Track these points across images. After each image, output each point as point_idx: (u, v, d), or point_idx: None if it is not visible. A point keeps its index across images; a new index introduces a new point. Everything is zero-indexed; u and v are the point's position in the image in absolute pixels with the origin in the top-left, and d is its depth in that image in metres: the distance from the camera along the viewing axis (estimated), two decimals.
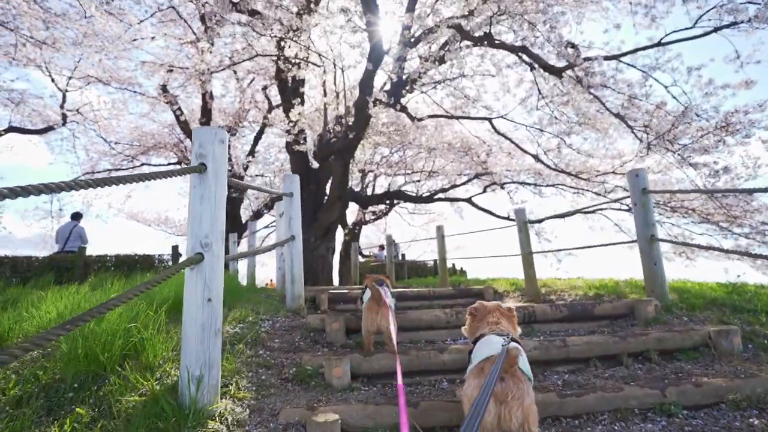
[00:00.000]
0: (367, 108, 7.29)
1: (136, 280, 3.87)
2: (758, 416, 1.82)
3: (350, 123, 8.00)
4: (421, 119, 9.75)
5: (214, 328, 1.73)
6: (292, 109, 9.35)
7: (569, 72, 6.67)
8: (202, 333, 1.69)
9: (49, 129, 13.06)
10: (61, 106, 12.84)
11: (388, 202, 16.81)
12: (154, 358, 1.96)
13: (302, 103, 10.12)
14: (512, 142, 11.21)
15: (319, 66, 8.65)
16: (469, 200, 14.83)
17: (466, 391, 1.48)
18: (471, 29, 7.74)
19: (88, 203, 16.29)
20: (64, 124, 13.28)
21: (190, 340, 1.68)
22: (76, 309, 2.48)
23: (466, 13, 7.81)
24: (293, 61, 8.84)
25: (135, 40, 9.90)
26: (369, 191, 16.84)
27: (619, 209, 9.69)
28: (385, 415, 1.77)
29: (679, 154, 6.22)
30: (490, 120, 10.90)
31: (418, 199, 15.57)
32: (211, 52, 9.40)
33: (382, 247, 16.25)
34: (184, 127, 13.73)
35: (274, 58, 9.49)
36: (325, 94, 9.38)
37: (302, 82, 10.26)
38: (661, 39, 6.22)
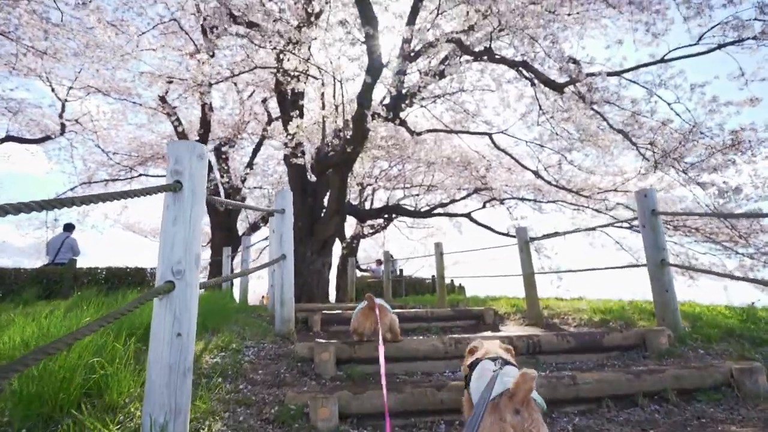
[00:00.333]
0: (365, 121, 7.16)
1: (116, 300, 3.66)
2: None
3: (348, 136, 7.87)
4: (420, 133, 9.64)
5: (183, 368, 1.53)
6: (290, 122, 9.24)
7: (571, 87, 6.57)
8: (168, 374, 1.49)
9: (46, 138, 12.95)
10: (60, 116, 12.75)
11: (386, 216, 16.65)
12: (118, 397, 1.75)
13: (301, 115, 10.01)
14: (512, 157, 11.09)
15: (317, 79, 8.56)
16: (468, 215, 14.67)
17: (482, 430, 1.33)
18: (471, 44, 7.67)
19: (85, 213, 16.08)
20: (62, 134, 13.17)
21: (154, 383, 1.48)
22: (43, 336, 2.28)
23: (467, 28, 7.76)
24: (292, 73, 8.75)
25: (136, 50, 9.85)
26: (367, 205, 16.68)
27: (621, 227, 9.51)
28: None
29: (684, 172, 6.07)
30: (490, 135, 10.80)
31: (416, 214, 15.41)
32: (211, 64, 9.32)
33: (379, 262, 16.02)
34: (183, 138, 13.63)
35: (273, 70, 9.41)
36: (323, 107, 9.27)
37: (301, 94, 10.18)
38: (664, 55, 6.14)
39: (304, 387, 2.31)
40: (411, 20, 7.02)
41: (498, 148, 10.99)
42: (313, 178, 11.20)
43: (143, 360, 2.10)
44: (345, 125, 8.43)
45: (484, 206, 14.42)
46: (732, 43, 5.41)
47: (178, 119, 12.50)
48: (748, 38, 5.21)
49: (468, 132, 11.37)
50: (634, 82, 6.35)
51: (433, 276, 12.16)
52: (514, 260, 5.81)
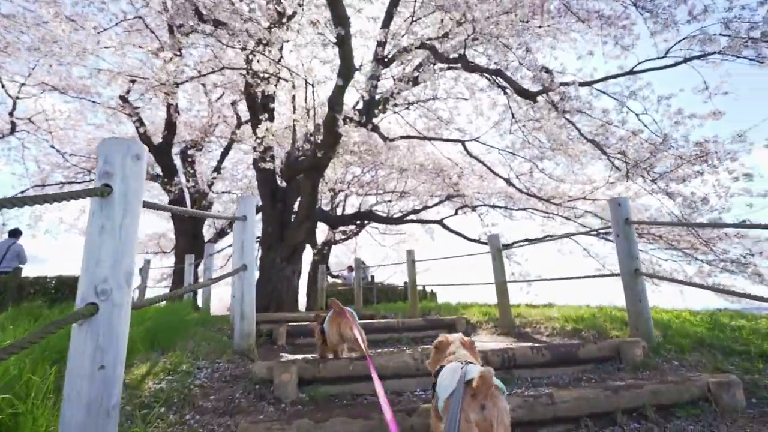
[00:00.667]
0: (336, 126, 6.97)
1: (55, 314, 3.32)
2: None
3: (319, 141, 7.66)
4: (393, 139, 9.53)
5: (107, 406, 1.30)
6: (259, 125, 8.94)
7: (543, 97, 6.60)
8: (86, 415, 1.25)
9: None
10: (11, 114, 11.95)
11: (358, 222, 16.44)
12: None
13: (271, 119, 9.72)
14: (484, 165, 11.14)
15: (287, 81, 8.31)
16: (440, 222, 14.65)
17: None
18: (445, 51, 7.63)
19: (38, 217, 15.11)
20: (12, 133, 12.34)
21: (69, 425, 1.24)
22: None
23: (441, 35, 7.71)
24: (262, 75, 8.48)
25: (96, 47, 9.31)
26: (339, 211, 16.43)
27: (595, 235, 9.65)
28: None
29: (653, 182, 6.18)
30: (462, 142, 10.81)
31: (389, 220, 15.28)
32: (176, 64, 8.92)
33: (351, 269, 15.77)
34: (145, 140, 13.03)
35: (243, 72, 9.10)
36: (294, 111, 9.02)
37: (272, 97, 9.89)
38: (633, 68, 6.25)
39: (260, 414, 2.08)
40: (386, 23, 6.91)
41: (470, 155, 11.02)
42: (283, 184, 10.90)
43: None
44: (316, 129, 8.21)
45: (456, 213, 14.44)
46: (697, 57, 5.55)
47: (140, 120, 11.91)
48: (713, 53, 5.35)
49: (441, 139, 11.36)
50: (603, 92, 6.45)
51: (405, 282, 12.03)
52: (485, 267, 5.74)
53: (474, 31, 6.49)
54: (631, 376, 2.64)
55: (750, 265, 8.44)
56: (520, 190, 10.30)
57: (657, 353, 2.93)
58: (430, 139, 11.39)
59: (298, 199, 10.66)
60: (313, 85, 7.56)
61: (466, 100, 10.21)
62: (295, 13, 8.06)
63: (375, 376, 1.81)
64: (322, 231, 16.77)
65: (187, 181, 14.22)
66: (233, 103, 14.70)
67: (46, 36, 9.27)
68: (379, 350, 4.38)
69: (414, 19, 8.16)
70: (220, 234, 15.82)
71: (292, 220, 10.88)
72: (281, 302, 10.52)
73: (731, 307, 6.63)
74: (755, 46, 4.84)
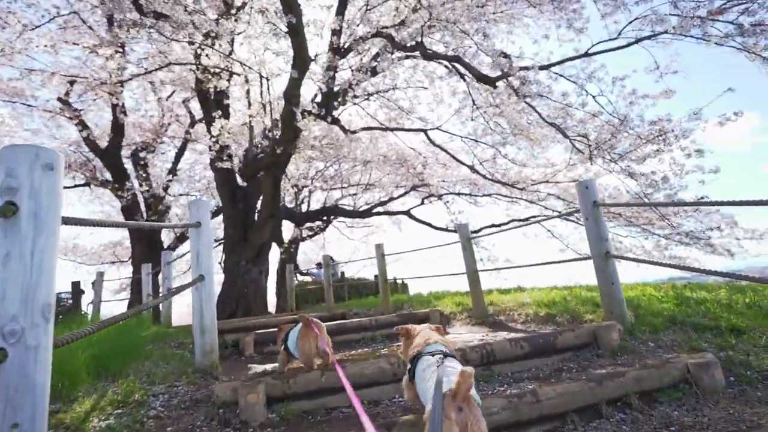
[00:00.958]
0: (294, 120, 6.68)
1: None
2: None
3: (278, 136, 7.33)
4: (354, 132, 9.31)
5: None
6: (213, 123, 8.49)
7: (503, 82, 6.58)
8: None
9: None
10: None
11: (324, 218, 16.15)
12: None
13: (226, 116, 9.25)
14: (448, 153, 11.12)
15: (239, 75, 7.90)
16: (407, 213, 14.61)
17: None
18: (402, 40, 7.46)
19: None
20: None
21: None
22: None
23: (398, 23, 7.53)
24: (212, 70, 8.01)
25: (28, 46, 8.48)
26: (304, 207, 16.07)
27: (567, 220, 9.82)
28: None
29: (614, 162, 6.30)
30: (425, 131, 10.73)
31: (355, 214, 15.09)
32: (117, 61, 8.28)
33: (320, 265, 15.51)
34: (91, 144, 12.17)
35: (192, 67, 8.58)
36: (249, 106, 8.61)
37: (225, 93, 9.41)
38: (588, 50, 6.32)
39: None
40: (340, 11, 6.65)
41: (434, 144, 10.96)
42: (244, 183, 10.47)
43: None
44: (274, 125, 7.87)
45: (422, 203, 14.44)
46: (648, 38, 5.66)
47: (81, 122, 11.09)
48: (663, 32, 5.46)
49: (403, 129, 11.23)
50: (561, 75, 6.50)
51: (375, 276, 11.91)
52: (455, 254, 5.68)
53: (430, 17, 6.36)
54: (610, 362, 2.61)
55: (703, 238, 8.86)
56: (484, 177, 10.35)
57: (632, 335, 2.92)
58: (392, 129, 11.24)
59: (260, 197, 10.29)
60: (267, 79, 7.20)
61: (425, 89, 10.10)
62: (244, 3, 7.64)
63: (350, 389, 1.67)
64: (288, 228, 16.38)
65: (141, 185, 13.45)
66: (185, 101, 13.98)
67: None
68: (353, 352, 4.24)
69: (369, 7, 7.93)
70: (181, 239, 15.12)
71: (256, 220, 10.50)
72: (249, 306, 10.16)
73: (683, 276, 6.88)
74: (702, 24, 4.96)
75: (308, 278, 17.47)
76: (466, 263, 5.28)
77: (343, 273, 14.93)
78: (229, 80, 8.96)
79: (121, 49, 8.83)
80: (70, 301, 8.67)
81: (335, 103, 8.05)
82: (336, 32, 6.68)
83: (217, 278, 10.75)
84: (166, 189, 14.34)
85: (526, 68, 5.95)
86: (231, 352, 4.27)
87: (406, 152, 12.74)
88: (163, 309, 6.72)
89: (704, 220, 8.72)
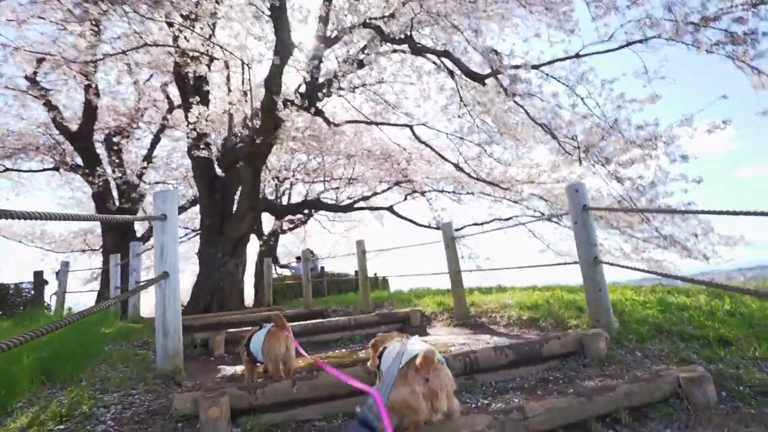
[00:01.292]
0: (275, 109, 6.42)
1: None
2: None
3: (258, 126, 7.05)
4: (338, 124, 9.07)
5: None
6: (191, 110, 8.13)
7: (492, 80, 6.45)
8: None
9: None
10: None
11: (306, 211, 15.86)
12: None
13: (206, 103, 8.88)
14: (433, 149, 10.99)
15: (217, 59, 7.55)
16: (390, 209, 14.45)
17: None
18: (391, 32, 7.26)
19: None
20: None
21: None
22: None
23: (387, 14, 7.32)
24: (191, 54, 7.65)
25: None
26: (285, 200, 15.74)
27: (555, 222, 9.79)
28: None
29: (602, 165, 6.26)
30: (411, 127, 10.56)
31: (337, 208, 14.86)
32: (88, 39, 7.81)
33: (299, 259, 15.24)
34: (60, 126, 11.59)
35: (170, 50, 8.18)
36: (229, 93, 8.28)
37: (205, 79, 9.03)
38: (579, 51, 6.25)
39: None
40: None
41: (419, 140, 10.81)
42: (222, 173, 10.13)
43: None
44: (254, 114, 7.57)
45: (405, 199, 14.31)
46: (639, 41, 5.60)
47: (48, 103, 10.53)
48: (654, 36, 5.41)
49: (388, 124, 11.04)
50: (551, 76, 6.41)
51: (356, 271, 11.74)
52: (436, 250, 5.56)
53: (421, 8, 6.17)
54: (598, 373, 2.51)
55: (680, 242, 8.98)
56: (469, 175, 10.26)
57: (619, 344, 2.83)
58: (377, 123, 11.04)
59: (239, 188, 9.97)
60: (248, 65, 6.90)
61: (413, 84, 9.93)
62: None
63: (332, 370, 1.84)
64: (268, 220, 16.04)
65: (113, 171, 12.93)
66: (164, 86, 13.47)
67: None
68: (331, 353, 4.06)
69: None
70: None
71: (234, 211, 10.18)
72: (225, 300, 9.88)
73: (654, 278, 6.91)
74: (695, 31, 4.92)
75: (287, 272, 17.19)
76: (448, 263, 5.16)
77: (323, 268, 14.70)
78: (209, 66, 8.59)
79: (95, 28, 8.36)
80: (32, 292, 8.23)
81: (320, 94, 7.80)
82: (323, 19, 6.42)
83: (193, 269, 10.42)
84: (140, 176, 13.84)
85: (517, 66, 5.83)
86: (200, 352, 4.05)
87: (390, 147, 12.57)
88: (130, 303, 6.40)
89: (682, 225, 8.83)
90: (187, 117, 8.45)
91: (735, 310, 3.51)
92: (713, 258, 9.47)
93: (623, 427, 1.96)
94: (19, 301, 8.80)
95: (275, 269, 17.19)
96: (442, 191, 13.14)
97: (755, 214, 2.07)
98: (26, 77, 10.46)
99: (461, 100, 7.78)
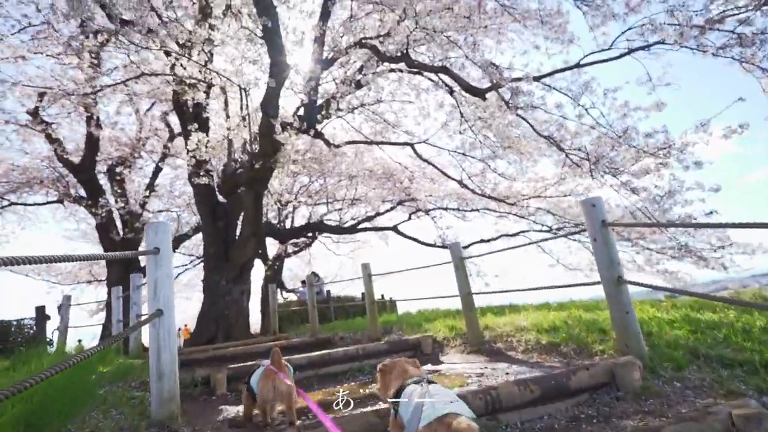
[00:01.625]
0: (273, 132, 6.31)
1: None
2: None
3: (256, 150, 6.94)
4: (338, 146, 8.98)
5: None
6: (190, 137, 8.07)
7: (494, 93, 6.34)
8: None
9: None
10: None
11: (309, 234, 15.69)
12: None
13: (205, 130, 8.84)
14: (435, 167, 10.86)
15: (214, 85, 7.51)
16: (394, 228, 14.26)
17: None
18: (388, 51, 7.21)
19: None
20: None
21: None
22: None
23: (383, 33, 7.28)
24: (188, 81, 7.63)
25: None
26: (288, 223, 15.59)
27: (572, 239, 9.52)
28: None
29: (614, 176, 6.08)
30: (411, 145, 10.46)
31: (340, 230, 14.68)
32: (85, 71, 7.83)
33: (305, 283, 15.00)
34: (63, 159, 11.61)
35: (168, 78, 8.18)
36: (227, 118, 8.22)
37: (203, 106, 9.01)
38: (579, 61, 6.14)
39: None
40: (323, 17, 6.34)
41: (420, 158, 10.70)
42: (224, 199, 10.03)
43: None
44: (253, 138, 7.49)
45: (409, 218, 14.12)
46: (641, 48, 5.49)
47: (48, 136, 10.54)
48: (657, 42, 5.30)
49: (389, 143, 10.96)
50: (552, 87, 6.29)
51: (362, 293, 11.47)
52: (444, 270, 5.34)
53: (417, 26, 6.11)
54: (635, 408, 2.26)
55: (695, 251, 8.69)
56: (473, 191, 10.08)
57: (654, 372, 2.58)
58: (377, 143, 10.95)
59: (242, 214, 9.85)
60: (245, 90, 6.84)
61: (411, 102, 9.87)
62: (227, 5, 7.26)
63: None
64: (272, 244, 15.88)
65: (116, 201, 12.90)
66: (164, 115, 13.57)
67: None
68: (338, 388, 3.82)
69: (353, 17, 7.68)
70: None
71: (237, 237, 10.04)
72: (230, 328, 9.65)
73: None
74: (700, 34, 4.80)
75: (294, 296, 16.92)
76: (458, 285, 4.92)
77: (328, 292, 14.44)
78: (207, 92, 8.58)
79: (94, 60, 8.40)
80: (33, 328, 8.03)
81: (318, 116, 7.73)
82: (318, 40, 6.37)
83: (200, 296, 10.18)
84: (143, 205, 13.80)
85: (518, 79, 5.72)
86: (201, 391, 3.81)
87: (392, 166, 12.46)
88: (131, 338, 6.18)
89: (696, 235, 8.57)
90: (186, 144, 8.40)
91: None
92: (732, 267, 9.16)
93: None
94: (20, 338, 8.59)
95: (281, 293, 16.94)
96: (446, 209, 12.96)
97: None
98: (28, 112, 10.52)
99: (462, 116, 7.67)
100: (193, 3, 7.41)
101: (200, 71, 6.91)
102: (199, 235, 14.98)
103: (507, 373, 3.31)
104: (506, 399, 2.32)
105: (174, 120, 12.82)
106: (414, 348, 4.91)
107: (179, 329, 20.64)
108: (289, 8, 5.83)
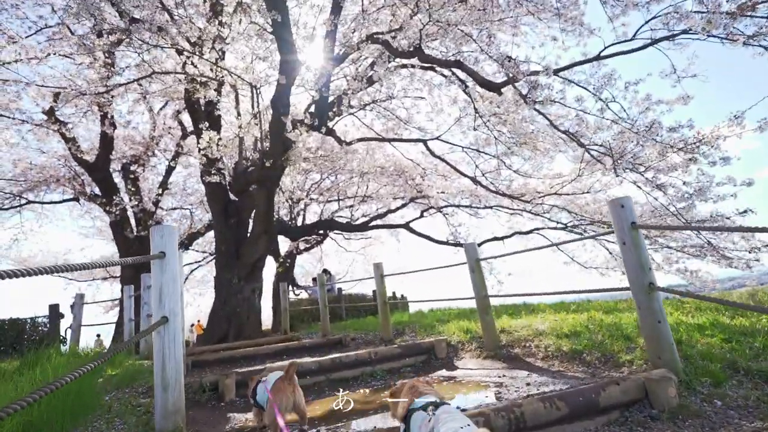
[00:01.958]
0: (284, 130, 6.20)
1: None
2: None
3: (267, 148, 6.84)
4: (350, 143, 8.84)
5: None
6: (202, 135, 8.01)
7: (510, 88, 6.12)
8: None
9: None
10: None
11: (321, 231, 15.62)
12: None
13: (217, 128, 8.79)
14: (448, 164, 10.64)
15: (225, 83, 7.42)
16: (406, 226, 14.10)
17: None
18: (400, 47, 7.03)
19: None
20: None
21: None
22: None
23: (395, 28, 7.10)
24: (199, 80, 7.56)
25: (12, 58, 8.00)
26: (299, 221, 15.54)
27: (601, 240, 9.20)
28: None
29: (639, 173, 5.81)
30: (424, 142, 10.27)
31: (352, 228, 14.56)
32: (97, 71, 7.82)
33: (316, 281, 14.94)
34: (77, 158, 11.71)
35: (179, 77, 8.13)
36: (238, 117, 8.13)
37: (215, 104, 8.96)
38: (600, 52, 5.88)
39: None
40: (334, 11, 6.18)
41: (433, 154, 10.50)
42: (235, 197, 9.98)
43: None
44: (264, 136, 7.38)
45: (421, 215, 13.94)
46: (666, 38, 5.22)
47: (63, 135, 10.61)
48: (682, 32, 5.03)
49: (401, 140, 10.78)
50: (570, 81, 6.04)
51: (374, 291, 11.35)
52: (456, 268, 5.16)
53: (430, 19, 5.91)
54: (672, 429, 2.08)
55: (718, 250, 8.35)
56: (487, 188, 9.85)
57: (690, 388, 2.39)
58: (389, 140, 10.78)
59: (253, 212, 9.80)
60: (256, 88, 6.73)
61: (423, 98, 9.67)
62: (240, 2, 7.15)
63: None
64: (284, 241, 15.86)
65: (130, 199, 12.99)
66: (177, 113, 13.60)
67: None
68: (349, 393, 3.69)
69: (364, 13, 7.52)
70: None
71: (249, 235, 10.00)
72: (242, 326, 9.62)
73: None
74: (731, 21, 4.52)
75: (305, 293, 16.90)
76: (474, 288, 4.75)
77: (340, 289, 14.35)
78: (218, 91, 8.51)
79: (108, 60, 8.40)
80: (47, 326, 8.09)
81: (330, 113, 7.60)
82: (329, 35, 6.21)
83: (213, 293, 10.18)
84: (156, 203, 13.88)
85: (536, 72, 5.49)
86: (209, 396, 3.72)
87: (404, 163, 12.29)
88: (142, 342, 6.14)
89: (722, 234, 8.23)
90: (198, 143, 8.35)
91: None
92: (756, 267, 8.81)
93: None
94: (33, 336, 8.68)
95: (293, 291, 16.92)
96: (459, 206, 12.74)
97: None
98: (43, 111, 10.59)
99: (476, 112, 7.45)
100: (204, 1, 7.34)
101: (211, 69, 6.83)
102: (212, 233, 15.05)
103: (528, 384, 3.14)
104: (531, 417, 2.16)
105: (186, 118, 12.84)
106: (428, 351, 4.77)
107: (192, 325, 20.81)
108: (299, 3, 5.68)
